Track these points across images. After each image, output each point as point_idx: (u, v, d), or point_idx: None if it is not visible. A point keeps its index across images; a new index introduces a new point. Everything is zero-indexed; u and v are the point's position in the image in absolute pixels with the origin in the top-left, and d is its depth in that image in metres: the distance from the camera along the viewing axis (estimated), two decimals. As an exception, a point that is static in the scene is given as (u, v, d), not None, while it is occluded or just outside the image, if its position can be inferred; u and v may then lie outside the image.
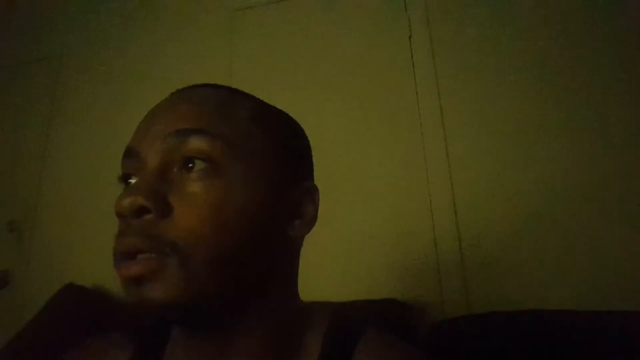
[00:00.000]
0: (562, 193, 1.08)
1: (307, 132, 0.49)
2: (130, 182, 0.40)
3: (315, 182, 0.49)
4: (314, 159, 0.50)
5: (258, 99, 0.45)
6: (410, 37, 1.34)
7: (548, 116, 1.15)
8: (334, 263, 1.18)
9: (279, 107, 0.47)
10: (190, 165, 0.36)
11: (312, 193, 0.45)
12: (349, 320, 0.45)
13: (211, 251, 0.35)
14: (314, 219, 0.44)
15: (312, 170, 0.49)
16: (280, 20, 1.52)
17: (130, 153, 0.39)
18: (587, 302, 0.78)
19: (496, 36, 1.25)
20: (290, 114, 0.48)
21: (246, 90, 0.45)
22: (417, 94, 1.28)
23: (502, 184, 1.13)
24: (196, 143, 0.36)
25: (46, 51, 1.87)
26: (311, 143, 0.50)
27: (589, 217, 1.05)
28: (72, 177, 1.63)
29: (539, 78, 1.18)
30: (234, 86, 0.45)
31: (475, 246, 1.11)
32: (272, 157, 0.41)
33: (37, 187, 1.66)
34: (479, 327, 0.75)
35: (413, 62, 1.31)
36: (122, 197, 0.34)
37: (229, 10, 1.60)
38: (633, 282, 0.96)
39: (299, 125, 0.48)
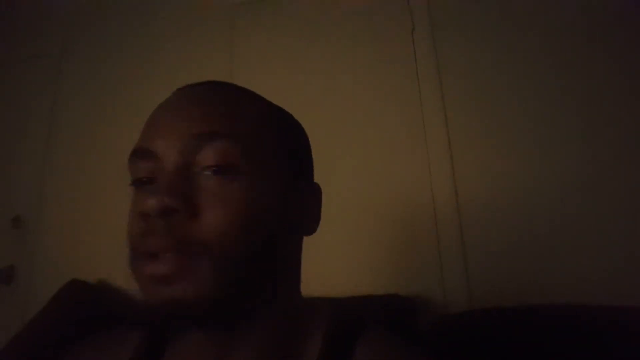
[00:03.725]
0: (567, 188, 1.08)
1: (308, 127, 0.50)
2: (141, 182, 0.39)
3: (317, 177, 0.49)
4: (316, 156, 0.51)
5: (266, 99, 0.46)
6: (412, 30, 1.33)
7: (551, 110, 1.14)
8: (336, 258, 1.18)
9: (280, 101, 0.47)
10: (212, 166, 0.37)
11: (316, 192, 0.46)
12: (350, 317, 0.45)
13: (238, 251, 0.35)
14: (319, 217, 0.46)
15: (312, 170, 0.50)
16: (281, 15, 1.52)
17: (145, 154, 0.38)
18: (590, 297, 0.78)
19: (499, 29, 1.25)
20: (291, 109, 0.49)
21: (247, 87, 0.46)
22: (419, 87, 1.28)
23: (505, 179, 1.13)
24: (217, 147, 0.37)
25: (48, 47, 1.87)
26: (313, 138, 0.50)
27: (593, 213, 1.04)
28: (76, 173, 1.63)
29: (542, 71, 1.17)
30: (234, 81, 0.46)
31: (478, 241, 1.11)
32: (283, 158, 0.42)
33: (41, 183, 1.67)
34: (481, 323, 0.75)
35: (415, 56, 1.31)
36: (148, 197, 0.34)
37: (230, 5, 1.59)
38: (638, 278, 0.96)
39: (301, 126, 0.49)
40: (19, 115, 1.81)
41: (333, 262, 1.16)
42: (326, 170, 0.51)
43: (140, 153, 0.39)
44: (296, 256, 0.45)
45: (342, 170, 1.25)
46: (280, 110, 0.47)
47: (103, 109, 1.67)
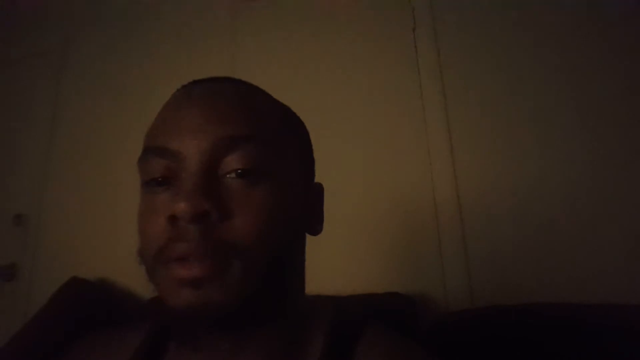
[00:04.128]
0: (569, 187, 1.07)
1: (309, 125, 0.50)
2: (157, 182, 0.37)
3: (318, 176, 0.50)
4: (317, 154, 0.51)
5: (278, 100, 0.46)
6: (414, 29, 1.33)
7: (554, 108, 1.13)
8: (336, 256, 1.18)
9: (281, 99, 0.47)
10: (239, 169, 0.36)
11: (320, 191, 0.46)
12: (352, 315, 0.45)
13: (268, 254, 0.36)
14: (322, 217, 0.46)
15: (314, 169, 0.50)
16: (282, 13, 1.51)
17: (168, 153, 0.37)
18: (592, 296, 0.78)
19: (502, 28, 1.24)
20: (292, 106, 0.49)
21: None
22: (421, 87, 1.27)
23: (507, 177, 1.13)
24: (247, 149, 0.36)
25: (49, 45, 1.87)
26: (314, 137, 0.50)
27: (595, 211, 1.04)
28: (77, 171, 1.64)
29: (545, 69, 1.17)
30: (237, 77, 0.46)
31: (480, 240, 1.11)
32: (298, 159, 0.43)
33: (43, 181, 1.67)
34: (482, 321, 0.75)
35: (417, 55, 1.30)
36: (177, 199, 0.33)
37: (231, 4, 1.59)
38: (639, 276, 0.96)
39: (305, 125, 0.50)
40: (21, 113, 1.82)
41: (333, 261, 1.16)
42: (327, 169, 0.52)
43: (157, 151, 0.37)
44: (302, 256, 0.45)
45: (343, 169, 1.25)
46: (289, 109, 0.47)
47: (105, 107, 1.68)
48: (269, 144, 0.38)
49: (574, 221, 1.05)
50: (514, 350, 0.67)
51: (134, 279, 0.35)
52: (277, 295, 0.39)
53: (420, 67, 1.29)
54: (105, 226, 1.49)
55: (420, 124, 1.24)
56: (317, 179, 0.49)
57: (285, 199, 0.38)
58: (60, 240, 1.57)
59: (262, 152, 0.37)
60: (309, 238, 0.47)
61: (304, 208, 0.42)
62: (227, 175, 0.36)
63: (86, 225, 1.54)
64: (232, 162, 0.36)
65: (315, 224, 0.45)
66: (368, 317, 0.45)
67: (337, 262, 1.18)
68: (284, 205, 0.38)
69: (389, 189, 1.22)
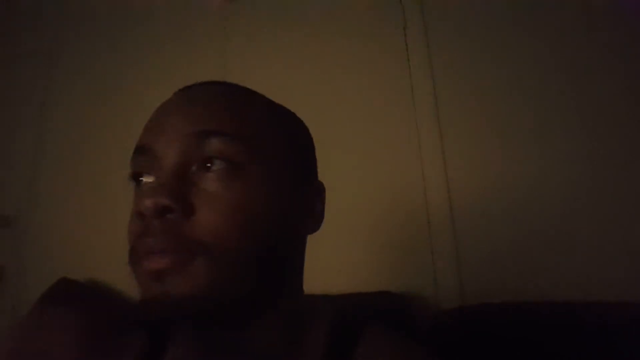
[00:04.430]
0: (560, 186, 1.08)
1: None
2: (141, 180, 0.40)
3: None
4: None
5: (268, 98, 0.46)
6: (405, 27, 1.33)
7: (546, 108, 1.14)
8: (327, 256, 1.18)
9: (273, 99, 0.47)
10: (209, 165, 0.36)
11: (320, 191, 0.46)
12: (351, 316, 0.45)
13: (235, 250, 0.35)
14: (322, 216, 0.46)
15: (316, 169, 0.50)
16: (274, 14, 1.51)
17: (143, 151, 0.39)
18: (584, 294, 0.79)
19: (493, 27, 1.25)
20: (286, 105, 0.48)
21: (241, 84, 0.45)
22: (411, 85, 1.28)
23: (498, 176, 1.14)
24: (216, 144, 0.36)
25: (38, 46, 1.85)
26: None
27: (587, 211, 1.05)
28: (66, 172, 1.62)
29: (537, 68, 1.17)
30: (228, 78, 0.45)
31: (471, 238, 1.12)
32: (286, 157, 0.42)
33: (31, 182, 1.65)
34: (472, 319, 0.75)
35: (408, 53, 1.31)
36: (144, 197, 0.34)
37: (224, 4, 1.58)
38: (631, 274, 0.97)
39: (304, 125, 0.49)
40: (9, 113, 1.79)
41: (324, 260, 1.16)
42: (319, 169, 0.52)
43: (140, 150, 0.39)
44: (300, 256, 0.45)
45: (334, 169, 1.24)
46: (283, 108, 0.47)
47: (95, 108, 1.66)
48: (242, 138, 0.38)
49: (565, 219, 1.06)
50: (505, 348, 0.68)
51: (124, 280, 0.35)
52: (263, 293, 0.39)
53: (411, 66, 1.29)
54: (94, 227, 1.47)
55: (411, 123, 1.25)
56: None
57: (264, 195, 0.38)
58: (49, 242, 1.55)
59: (232, 147, 0.37)
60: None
61: (295, 206, 0.42)
62: (198, 171, 0.37)
63: (75, 227, 1.52)
64: (201, 157, 0.37)
65: (311, 223, 0.45)
66: (368, 317, 0.45)
67: (329, 261, 1.18)
68: (260, 201, 0.37)
69: (379, 187, 1.23)
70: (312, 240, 0.48)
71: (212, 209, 0.35)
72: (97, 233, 1.45)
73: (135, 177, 0.40)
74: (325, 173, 0.52)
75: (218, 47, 1.53)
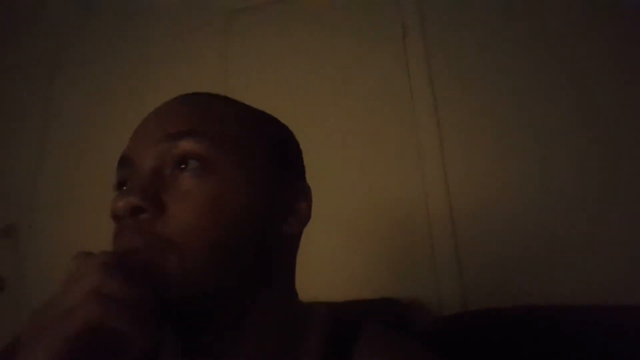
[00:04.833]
0: (561, 190, 1.08)
1: (301, 131, 0.50)
2: (121, 188, 0.41)
3: (311, 181, 0.50)
4: (310, 160, 0.51)
5: (246, 104, 0.47)
6: (404, 38, 1.34)
7: (546, 112, 1.15)
8: (329, 263, 1.18)
9: (273, 104, 0.48)
10: (183, 165, 0.37)
11: (305, 192, 0.46)
12: (349, 321, 0.45)
13: (207, 247, 0.35)
14: (307, 216, 0.46)
15: (303, 172, 0.50)
16: (275, 23, 1.53)
17: (124, 161, 0.40)
18: (585, 297, 0.78)
19: (492, 37, 1.26)
20: (284, 111, 0.49)
21: (242, 92, 0.46)
22: (412, 96, 1.28)
23: (499, 181, 1.14)
24: (186, 144, 0.37)
25: (40, 54, 1.86)
26: (306, 142, 0.51)
27: (588, 215, 1.05)
28: (68, 181, 1.62)
29: (536, 72, 1.18)
30: (229, 86, 0.46)
31: (472, 244, 1.12)
32: (262, 157, 0.42)
33: (33, 192, 1.65)
34: (474, 324, 0.75)
35: (407, 64, 1.32)
36: (116, 199, 0.35)
37: (225, 11, 1.60)
38: (634, 277, 0.97)
39: (288, 129, 0.50)
40: (11, 122, 1.80)
41: (326, 267, 1.16)
42: (319, 175, 0.52)
43: (121, 161, 0.41)
44: (286, 255, 0.45)
45: (335, 175, 1.25)
46: (260, 112, 0.47)
47: (97, 116, 1.67)
48: (213, 138, 0.38)
49: (566, 224, 1.06)
50: (506, 353, 0.67)
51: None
52: (243, 288, 0.39)
53: (410, 75, 1.30)
54: (95, 236, 1.47)
55: (411, 129, 1.25)
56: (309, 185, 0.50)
57: (236, 194, 0.38)
58: (51, 252, 1.55)
59: (204, 146, 0.38)
60: (301, 244, 0.47)
61: (274, 204, 0.42)
62: (173, 172, 0.37)
63: (77, 236, 1.52)
64: (173, 157, 0.38)
65: (295, 222, 0.44)
66: (366, 318, 0.45)
67: (330, 268, 1.18)
68: (231, 199, 0.38)
69: (380, 194, 1.23)
70: (313, 247, 0.48)
71: (184, 206, 0.36)
72: (97, 242, 1.45)
73: (119, 187, 0.41)
74: (326, 181, 0.53)
75: (219, 52, 1.55)
